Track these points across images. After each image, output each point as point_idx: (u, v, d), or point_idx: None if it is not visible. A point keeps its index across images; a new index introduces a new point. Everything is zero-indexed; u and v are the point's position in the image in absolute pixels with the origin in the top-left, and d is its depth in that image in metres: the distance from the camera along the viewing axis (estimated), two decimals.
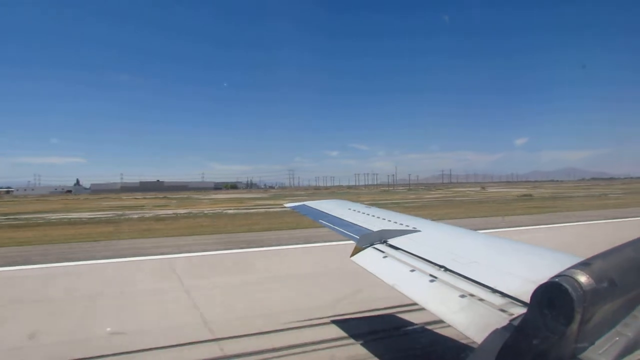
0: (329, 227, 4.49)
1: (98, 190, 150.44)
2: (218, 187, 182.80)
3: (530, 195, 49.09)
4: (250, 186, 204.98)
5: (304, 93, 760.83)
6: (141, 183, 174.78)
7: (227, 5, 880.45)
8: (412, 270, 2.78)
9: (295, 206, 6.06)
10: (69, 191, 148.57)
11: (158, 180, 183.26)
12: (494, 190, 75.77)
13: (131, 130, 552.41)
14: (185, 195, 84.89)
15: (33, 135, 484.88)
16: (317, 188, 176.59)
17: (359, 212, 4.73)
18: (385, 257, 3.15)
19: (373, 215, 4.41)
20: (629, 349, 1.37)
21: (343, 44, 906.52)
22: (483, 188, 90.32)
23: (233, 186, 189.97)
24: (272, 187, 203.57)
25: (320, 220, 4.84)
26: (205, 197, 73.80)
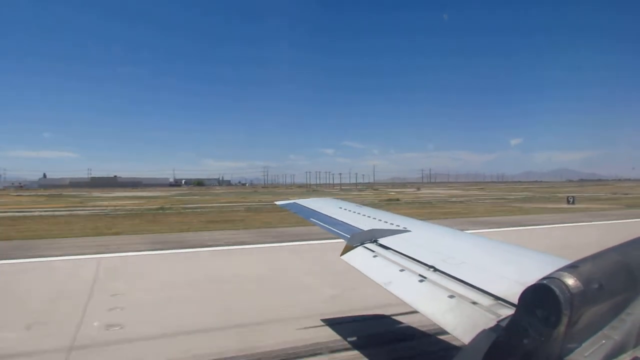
0: (320, 225, 4.48)
1: (46, 186, 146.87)
2: (177, 183, 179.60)
3: (398, 199, 46.07)
4: (221, 183, 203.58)
5: (300, 91, 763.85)
6: (92, 179, 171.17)
7: (222, 1, 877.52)
8: (402, 270, 2.78)
9: (286, 204, 6.04)
10: (21, 186, 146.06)
11: (115, 176, 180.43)
12: (425, 192, 74.17)
13: (124, 125, 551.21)
14: (72, 193, 78.55)
15: (26, 129, 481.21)
16: (271, 186, 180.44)
17: (349, 211, 4.73)
18: (375, 256, 3.15)
19: (364, 215, 4.41)
20: (615, 352, 1.37)
21: (339, 41, 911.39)
22: (418, 189, 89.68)
23: (199, 183, 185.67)
24: (243, 184, 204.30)
25: (311, 219, 4.83)
26: (111, 195, 68.43)
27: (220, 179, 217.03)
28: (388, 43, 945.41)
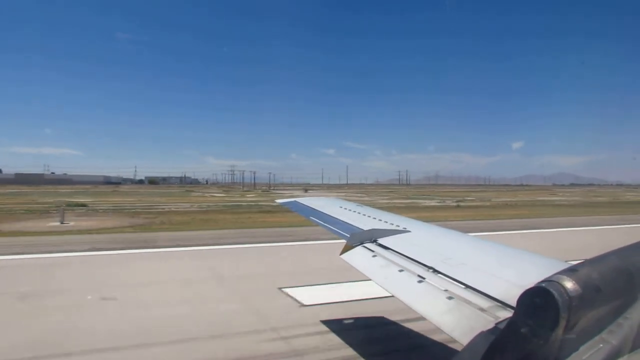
0: (320, 224, 4.49)
1: None
2: (116, 181, 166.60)
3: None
4: (183, 181, 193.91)
5: (302, 90, 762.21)
6: (17, 175, 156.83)
7: (224, 0, 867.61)
8: (401, 270, 2.79)
9: (286, 202, 6.03)
10: None
11: (53, 173, 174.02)
12: (310, 194, 65.38)
13: (126, 123, 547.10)
14: None
15: (28, 125, 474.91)
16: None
17: (350, 210, 4.73)
18: (374, 256, 3.16)
19: (364, 214, 4.41)
20: (612, 356, 1.38)
21: (341, 42, 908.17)
22: (305, 191, 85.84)
23: (152, 181, 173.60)
24: (205, 183, 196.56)
25: (311, 217, 4.83)
26: None
27: (183, 176, 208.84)
28: (391, 44, 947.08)
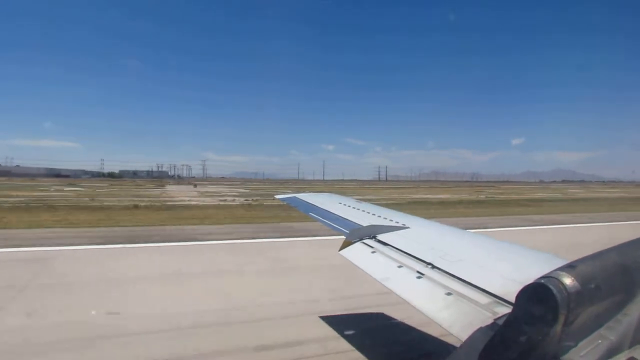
0: (319, 220, 4.49)
1: None
2: (60, 174, 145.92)
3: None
4: (150, 175, 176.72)
5: (302, 87, 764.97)
6: None
7: None
8: (400, 266, 2.79)
9: (286, 198, 6.02)
10: None
11: None
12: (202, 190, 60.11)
13: (126, 117, 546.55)
14: None
15: (26, 119, 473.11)
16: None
17: (349, 206, 4.72)
18: (373, 252, 3.16)
19: (363, 210, 4.41)
20: (611, 352, 1.38)
21: (342, 38, 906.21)
22: (195, 186, 77.92)
23: (112, 175, 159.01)
24: (175, 176, 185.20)
25: (310, 213, 4.82)
26: None
27: (150, 170, 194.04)
28: (391, 40, 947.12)
